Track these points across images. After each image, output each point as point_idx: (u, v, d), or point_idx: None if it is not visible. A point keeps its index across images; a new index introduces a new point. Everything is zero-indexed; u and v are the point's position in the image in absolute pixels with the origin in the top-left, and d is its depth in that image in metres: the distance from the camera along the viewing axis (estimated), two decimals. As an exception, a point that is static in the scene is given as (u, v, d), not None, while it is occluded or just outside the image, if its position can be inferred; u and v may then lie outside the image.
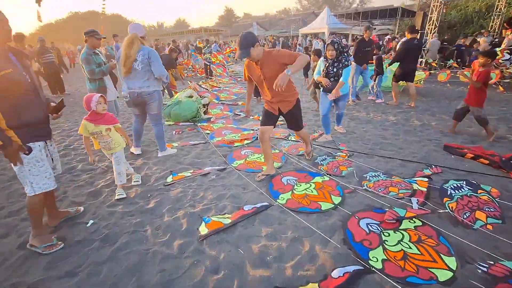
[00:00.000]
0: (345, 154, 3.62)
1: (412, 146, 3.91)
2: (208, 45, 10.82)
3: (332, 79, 3.77)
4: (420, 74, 7.37)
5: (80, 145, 4.31)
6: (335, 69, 3.72)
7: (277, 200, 2.61)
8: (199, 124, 5.06)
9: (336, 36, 24.16)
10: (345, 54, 3.72)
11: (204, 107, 5.53)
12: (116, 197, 2.73)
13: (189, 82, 7.73)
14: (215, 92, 7.56)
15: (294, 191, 2.77)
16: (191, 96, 5.35)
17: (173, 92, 6.73)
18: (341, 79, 3.66)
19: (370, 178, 2.99)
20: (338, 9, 45.32)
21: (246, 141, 4.16)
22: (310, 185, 2.85)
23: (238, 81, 9.98)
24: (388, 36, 17.88)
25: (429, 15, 15.66)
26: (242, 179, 3.08)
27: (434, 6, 15.15)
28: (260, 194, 2.75)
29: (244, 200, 2.65)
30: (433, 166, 3.23)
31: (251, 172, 3.22)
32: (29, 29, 52.13)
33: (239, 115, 5.65)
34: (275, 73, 2.47)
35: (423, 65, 11.98)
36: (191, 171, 3.28)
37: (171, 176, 3.18)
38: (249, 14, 73.62)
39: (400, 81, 6.17)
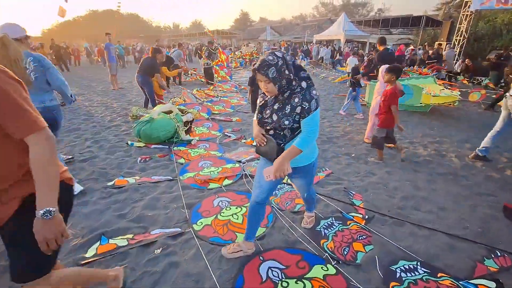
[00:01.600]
0: (361, 217, 2.49)
1: (457, 204, 2.75)
2: (212, 48, 9.85)
3: (272, 132, 1.71)
4: (453, 94, 6.13)
5: None
6: (279, 116, 1.63)
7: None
8: (175, 148, 4.03)
9: (353, 43, 22.95)
10: (303, 79, 1.61)
11: (187, 125, 4.50)
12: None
13: (182, 89, 6.73)
14: (209, 104, 6.54)
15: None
16: (169, 112, 4.33)
17: (157, 103, 5.74)
18: (295, 143, 1.60)
19: (403, 276, 1.86)
20: (356, 16, 43.93)
21: (226, 181, 3.09)
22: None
23: (241, 90, 8.95)
24: (411, 47, 16.53)
25: (457, 25, 14.29)
26: (200, 259, 2.00)
27: (463, 15, 13.77)
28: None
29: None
30: (499, 254, 2.08)
31: (218, 244, 2.14)
32: (48, 25, 53.04)
33: (229, 136, 4.59)
34: None
35: (450, 79, 10.64)
36: (130, 236, 2.22)
37: (96, 245, 2.11)
38: (265, 18, 72.86)
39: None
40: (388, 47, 5.69)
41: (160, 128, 4.00)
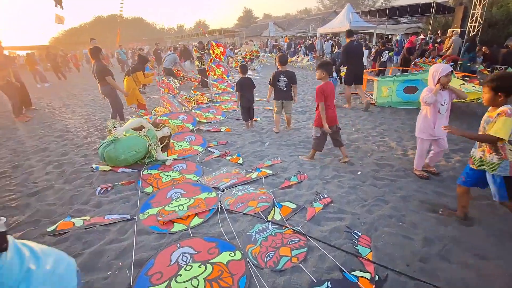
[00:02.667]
0: (369, 278, 1.79)
1: (505, 251, 2.01)
2: (201, 50, 9.20)
3: None
4: (476, 90, 5.27)
5: None
6: None
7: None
8: (145, 172, 3.41)
9: (359, 35, 21.83)
10: None
11: (164, 141, 3.88)
12: None
13: (163, 92, 6.09)
14: (197, 111, 5.90)
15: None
16: (140, 128, 3.71)
17: (135, 115, 5.14)
18: None
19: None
20: (361, 7, 42.38)
21: (195, 220, 2.44)
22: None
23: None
24: (421, 36, 15.43)
25: (471, 11, 13.16)
26: None
27: (478, 0, 12.64)
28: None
29: None
30: None
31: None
32: (55, 34, 53.51)
33: (212, 153, 3.94)
34: None
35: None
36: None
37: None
38: (268, 14, 71.65)
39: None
40: (354, 39, 5.82)
41: (127, 149, 3.38)
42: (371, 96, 6.54)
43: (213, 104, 6.73)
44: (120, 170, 3.45)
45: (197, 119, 5.47)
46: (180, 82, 10.09)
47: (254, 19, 61.69)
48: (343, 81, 6.88)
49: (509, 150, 1.92)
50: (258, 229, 2.28)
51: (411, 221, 2.35)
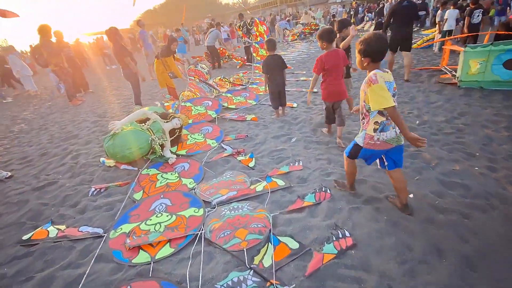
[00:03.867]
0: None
1: None
2: (248, 23, 8.32)
3: None
4: None
5: None
6: None
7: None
8: (144, 171, 3.04)
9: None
10: None
11: (174, 134, 3.45)
12: None
13: (189, 80, 5.64)
14: (228, 95, 5.31)
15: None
16: (145, 120, 3.33)
17: (164, 103, 4.86)
18: None
19: None
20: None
21: (165, 249, 1.94)
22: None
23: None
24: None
25: None
26: None
27: None
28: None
29: None
30: None
31: None
32: (135, 16, 58.79)
33: (225, 149, 3.34)
34: None
35: None
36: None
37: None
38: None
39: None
40: None
41: (126, 145, 3.04)
42: (454, 73, 4.87)
43: (250, 86, 6.04)
44: (122, 167, 3.17)
45: (225, 104, 4.90)
46: (224, 61, 9.60)
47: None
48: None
49: (374, 122, 1.77)
50: (233, 280, 1.64)
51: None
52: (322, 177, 2.54)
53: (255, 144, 3.40)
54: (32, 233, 2.28)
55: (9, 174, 3.37)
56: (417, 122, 3.46)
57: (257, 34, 7.84)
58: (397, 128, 1.74)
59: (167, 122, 3.44)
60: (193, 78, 5.79)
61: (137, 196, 2.62)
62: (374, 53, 1.69)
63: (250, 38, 7.95)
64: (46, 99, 8.12)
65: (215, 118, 4.33)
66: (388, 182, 2.23)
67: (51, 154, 3.92)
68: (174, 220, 2.21)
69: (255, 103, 5.06)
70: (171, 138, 3.45)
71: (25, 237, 2.24)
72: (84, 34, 20.89)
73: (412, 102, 4.19)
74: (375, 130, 1.78)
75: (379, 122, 1.75)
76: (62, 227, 2.32)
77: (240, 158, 3.08)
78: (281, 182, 2.53)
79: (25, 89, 9.00)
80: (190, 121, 4.18)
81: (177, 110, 4.47)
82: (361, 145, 1.89)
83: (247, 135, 3.65)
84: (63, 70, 6.41)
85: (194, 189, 2.62)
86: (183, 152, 3.42)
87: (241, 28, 8.49)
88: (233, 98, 5.22)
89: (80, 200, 2.70)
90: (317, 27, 14.75)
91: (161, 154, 3.21)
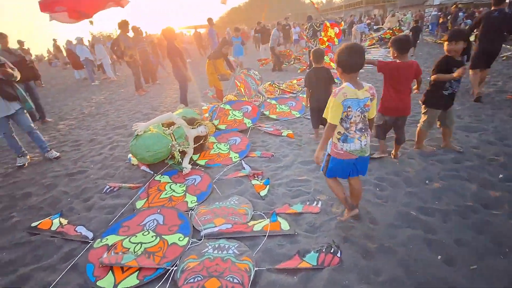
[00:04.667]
0: None
1: None
2: (316, 25, 7.71)
3: None
4: None
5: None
6: None
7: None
8: (157, 177, 2.98)
9: None
10: None
11: (198, 142, 3.32)
12: None
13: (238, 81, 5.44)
14: (273, 102, 4.96)
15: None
16: (169, 125, 3.27)
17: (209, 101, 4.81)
18: None
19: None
20: None
21: (128, 280, 1.76)
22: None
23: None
24: None
25: None
26: None
27: None
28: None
29: None
30: None
31: None
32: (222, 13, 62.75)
33: (243, 168, 3.05)
34: None
35: None
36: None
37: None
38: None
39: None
40: (499, 8, 4.21)
41: (145, 148, 3.02)
42: None
43: (301, 95, 5.57)
44: (142, 167, 3.18)
45: (267, 113, 4.59)
46: (288, 64, 9.22)
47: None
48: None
49: (337, 132, 1.80)
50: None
51: None
52: (339, 230, 2.01)
53: (278, 168, 3.00)
54: (40, 221, 2.41)
55: (58, 155, 3.76)
56: (500, 176, 2.52)
57: (325, 39, 7.23)
58: (363, 140, 1.79)
59: (192, 128, 3.32)
60: (239, 83, 5.63)
61: (139, 204, 2.55)
62: (343, 65, 1.70)
63: (315, 43, 7.38)
64: (122, 86, 9.16)
65: (249, 128, 4.06)
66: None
67: (97, 141, 4.27)
68: (156, 243, 2.03)
69: (299, 115, 4.60)
70: (195, 145, 3.33)
71: (33, 224, 2.38)
72: (180, 28, 22.95)
73: (487, 119, 3.16)
74: (338, 140, 1.82)
75: (342, 132, 1.79)
76: (65, 222, 2.39)
77: (254, 182, 2.74)
78: (285, 225, 2.10)
79: (107, 76, 10.38)
80: (223, 127, 4.02)
81: (215, 112, 4.37)
82: (329, 152, 1.92)
83: (273, 155, 3.27)
84: (135, 62, 7.07)
85: (192, 210, 2.41)
86: (202, 162, 3.26)
87: (307, 31, 7.97)
88: (277, 106, 4.85)
89: (93, 195, 2.79)
90: (399, 32, 13.03)
91: (179, 161, 3.11)
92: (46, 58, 28.78)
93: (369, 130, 1.84)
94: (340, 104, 1.68)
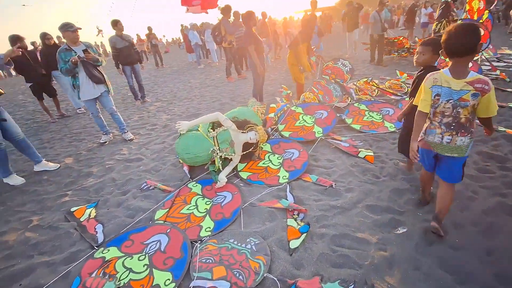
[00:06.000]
0: None
1: None
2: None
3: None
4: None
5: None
6: None
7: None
8: (190, 184, 2.66)
9: None
10: None
11: (247, 149, 2.82)
12: None
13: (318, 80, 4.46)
14: (361, 107, 3.86)
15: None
16: (214, 127, 2.86)
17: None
18: None
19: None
20: None
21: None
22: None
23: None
24: None
25: None
26: None
27: None
28: None
29: None
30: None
31: None
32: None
33: (282, 199, 2.35)
34: None
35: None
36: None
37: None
38: None
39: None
40: None
41: (185, 149, 2.75)
42: None
43: (406, 99, 4.17)
44: (184, 168, 2.96)
45: (349, 121, 3.60)
46: (400, 55, 7.36)
47: None
48: None
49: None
50: None
51: None
52: None
53: (331, 208, 2.16)
54: (78, 207, 2.50)
55: (132, 137, 4.03)
56: None
57: (467, 14, 5.11)
58: (447, 137, 1.55)
59: (243, 132, 2.83)
60: (327, 78, 4.68)
61: (158, 214, 2.30)
62: (444, 46, 1.49)
63: (438, 27, 5.42)
64: (221, 70, 9.54)
65: (317, 139, 3.25)
66: None
67: (167, 128, 4.38)
68: (143, 278, 1.70)
69: (394, 128, 3.40)
70: (243, 153, 2.85)
71: (72, 209, 2.50)
72: (295, 12, 22.72)
73: None
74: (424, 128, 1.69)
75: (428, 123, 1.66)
76: (93, 214, 2.40)
77: (290, 222, 2.04)
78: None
79: (212, 60, 11.04)
80: (287, 134, 3.36)
81: (283, 114, 3.74)
82: None
83: (333, 185, 2.42)
84: (231, 48, 7.09)
85: (199, 242, 1.96)
86: (244, 175, 2.74)
87: (439, 9, 5.96)
88: (366, 113, 3.75)
89: (131, 189, 2.74)
90: None
91: (219, 168, 2.71)
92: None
93: (467, 130, 1.50)
94: (428, 89, 1.56)
